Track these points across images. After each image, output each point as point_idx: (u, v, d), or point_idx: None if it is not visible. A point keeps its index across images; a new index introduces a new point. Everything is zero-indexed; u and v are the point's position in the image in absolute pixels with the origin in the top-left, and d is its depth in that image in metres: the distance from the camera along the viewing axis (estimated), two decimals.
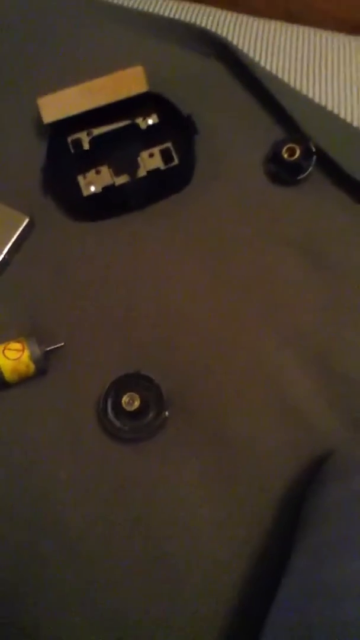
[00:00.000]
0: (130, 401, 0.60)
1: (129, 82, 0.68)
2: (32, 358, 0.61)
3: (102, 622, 0.55)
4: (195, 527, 0.58)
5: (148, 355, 0.63)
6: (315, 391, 0.61)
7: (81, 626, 0.55)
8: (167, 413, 0.60)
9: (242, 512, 0.58)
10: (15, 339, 0.62)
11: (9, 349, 0.61)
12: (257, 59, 0.72)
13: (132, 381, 0.61)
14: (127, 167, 0.68)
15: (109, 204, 0.68)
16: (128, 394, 0.60)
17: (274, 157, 0.67)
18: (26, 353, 0.60)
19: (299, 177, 0.67)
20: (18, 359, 0.60)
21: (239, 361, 0.62)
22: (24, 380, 0.62)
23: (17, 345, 0.61)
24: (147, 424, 0.60)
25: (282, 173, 0.67)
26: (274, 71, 0.71)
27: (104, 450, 0.60)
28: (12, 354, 0.60)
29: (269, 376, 0.62)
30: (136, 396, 0.60)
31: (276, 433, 0.60)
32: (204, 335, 0.64)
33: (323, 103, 0.70)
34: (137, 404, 0.59)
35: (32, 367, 0.61)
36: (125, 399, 0.60)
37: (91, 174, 0.67)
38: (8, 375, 0.61)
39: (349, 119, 0.69)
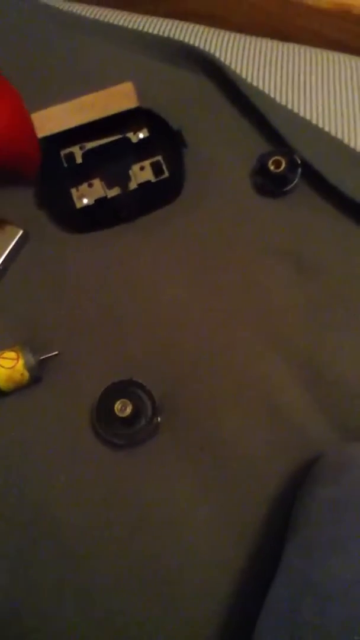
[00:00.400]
0: (123, 408, 0.60)
1: (120, 97, 0.70)
2: (27, 366, 0.62)
3: (99, 623, 0.56)
4: (190, 530, 0.59)
5: (141, 362, 0.65)
6: (305, 395, 0.62)
7: (79, 628, 0.56)
8: (159, 419, 0.62)
9: (236, 514, 0.59)
10: (9, 347, 0.63)
11: (4, 358, 0.62)
12: (243, 74, 0.74)
13: (124, 388, 0.62)
14: (118, 179, 0.69)
15: (101, 215, 0.69)
16: (120, 400, 0.60)
17: (260, 170, 0.69)
18: (20, 362, 0.62)
19: (285, 189, 0.69)
20: (12, 367, 0.62)
21: (229, 367, 0.64)
22: (19, 388, 0.63)
23: (12, 354, 0.62)
24: (140, 430, 0.61)
25: (269, 185, 0.69)
26: (259, 86, 0.73)
27: (99, 456, 0.61)
28: (6, 363, 0.62)
29: (258, 381, 0.63)
30: (128, 402, 0.60)
31: (267, 436, 0.61)
32: (195, 343, 0.65)
33: (307, 117, 0.73)
34: (129, 410, 0.60)
35: (26, 375, 0.62)
36: (117, 405, 0.60)
37: (84, 187, 0.69)
38: (3, 383, 0.62)
39: (332, 132, 0.71)
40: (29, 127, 0.67)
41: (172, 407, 0.63)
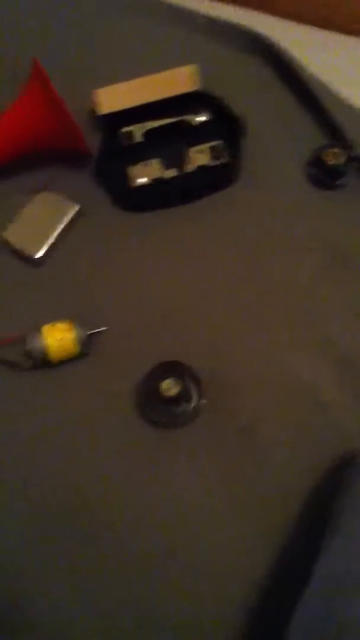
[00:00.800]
0: (171, 387, 0.60)
1: (182, 79, 0.70)
2: (78, 339, 0.62)
3: (111, 614, 0.56)
4: (212, 520, 0.59)
5: (186, 347, 0.65)
6: (343, 392, 0.62)
7: (90, 617, 0.56)
8: (204, 401, 0.62)
9: (265, 507, 0.58)
10: (61, 320, 0.64)
11: (56, 329, 0.62)
12: (307, 65, 0.74)
13: (171, 369, 0.62)
14: (176, 161, 0.70)
15: (156, 196, 0.70)
16: (168, 380, 0.60)
17: (315, 161, 0.69)
18: (72, 334, 0.62)
19: (339, 182, 0.69)
20: (63, 339, 0.63)
21: (271, 362, 0.64)
22: (67, 360, 0.64)
23: (64, 326, 0.63)
24: (183, 411, 0.62)
25: (323, 177, 0.69)
26: (322, 78, 0.73)
27: (138, 434, 0.62)
28: (58, 334, 0.62)
29: (298, 377, 0.63)
30: (175, 383, 0.60)
31: (303, 430, 0.61)
32: (240, 334, 0.65)
33: None
34: (175, 390, 0.60)
35: (76, 348, 0.63)
36: (165, 384, 0.60)
37: (141, 166, 0.69)
38: (53, 354, 0.62)
39: None
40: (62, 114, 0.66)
41: (214, 393, 0.63)
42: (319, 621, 0.45)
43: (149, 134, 0.71)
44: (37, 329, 0.63)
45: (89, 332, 0.64)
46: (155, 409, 0.62)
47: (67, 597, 0.56)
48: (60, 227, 0.69)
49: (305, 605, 0.46)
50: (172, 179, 0.70)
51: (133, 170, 0.70)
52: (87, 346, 0.64)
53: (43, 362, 0.63)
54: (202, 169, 0.70)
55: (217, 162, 0.69)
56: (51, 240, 0.69)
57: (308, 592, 0.46)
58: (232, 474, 0.60)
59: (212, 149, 0.70)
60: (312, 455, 0.60)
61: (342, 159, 0.68)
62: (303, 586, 0.46)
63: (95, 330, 0.65)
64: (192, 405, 0.62)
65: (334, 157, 0.68)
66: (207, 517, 0.59)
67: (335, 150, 0.68)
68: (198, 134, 0.71)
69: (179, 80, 0.70)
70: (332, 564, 0.48)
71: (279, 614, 0.46)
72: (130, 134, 0.70)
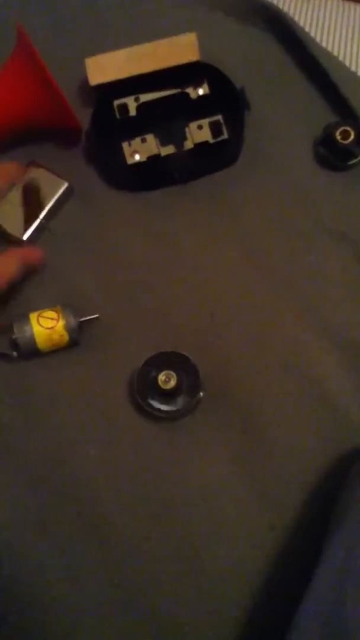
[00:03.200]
0: (167, 379, 0.58)
1: (182, 49, 0.65)
2: (67, 328, 0.59)
3: (122, 602, 0.55)
4: (220, 511, 0.57)
5: (183, 336, 0.62)
6: (350, 382, 0.60)
7: (101, 605, 0.55)
8: (202, 394, 0.59)
9: (273, 499, 0.57)
10: (50, 307, 0.60)
11: (44, 317, 0.59)
12: (315, 37, 0.70)
13: (168, 360, 0.59)
14: (174, 137, 0.65)
15: (152, 174, 0.65)
16: (165, 372, 0.58)
17: (325, 140, 0.65)
18: (61, 323, 0.59)
19: (349, 163, 0.65)
20: (53, 327, 0.58)
21: (276, 350, 0.61)
22: (56, 349, 0.60)
23: (53, 314, 0.59)
24: (181, 404, 0.59)
25: (333, 157, 0.65)
26: (332, 51, 0.69)
27: (135, 428, 0.59)
28: (47, 323, 0.58)
29: (304, 366, 0.61)
30: (173, 375, 0.58)
31: (310, 422, 0.59)
32: (242, 323, 0.62)
33: None
34: (173, 382, 0.58)
35: (66, 337, 0.59)
36: (161, 377, 0.58)
37: (136, 142, 0.65)
38: (41, 343, 0.59)
39: None
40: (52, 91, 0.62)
41: (215, 385, 0.60)
42: (327, 614, 0.43)
43: (144, 107, 0.65)
44: (25, 316, 0.59)
45: (80, 320, 0.60)
46: (152, 400, 0.59)
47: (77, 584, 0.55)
48: (47, 207, 0.64)
49: (314, 598, 0.45)
50: (169, 156, 0.65)
51: (127, 146, 0.65)
52: (77, 335, 0.60)
53: (31, 352, 0.59)
54: (201, 146, 0.65)
55: (218, 139, 0.65)
56: (38, 220, 0.64)
57: (315, 584, 0.45)
58: (234, 466, 0.58)
59: (212, 124, 0.65)
60: (318, 448, 0.58)
61: (353, 138, 0.63)
62: (308, 579, 0.46)
63: (86, 318, 0.61)
64: (191, 397, 0.59)
65: (346, 136, 0.64)
66: (208, 509, 0.57)
67: (347, 128, 0.64)
68: (197, 109, 0.66)
69: (177, 49, 0.65)
70: (339, 558, 0.46)
71: (283, 608, 0.45)
72: (124, 106, 0.65)
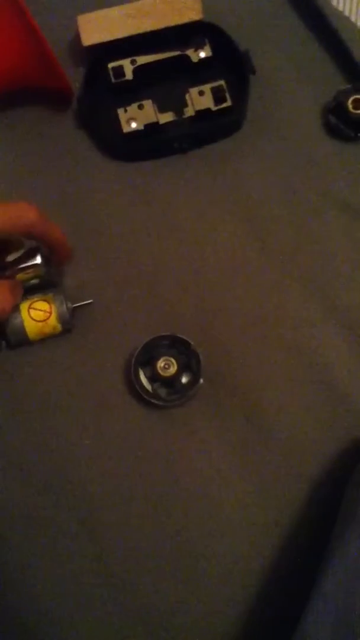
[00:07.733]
0: (167, 366, 0.55)
1: (182, 7, 0.61)
2: (60, 319, 0.55)
3: (116, 595, 0.53)
4: (218, 504, 0.55)
5: (184, 319, 0.59)
6: (354, 366, 0.57)
7: (94, 599, 0.53)
8: (202, 381, 0.56)
9: (275, 491, 0.55)
10: (41, 295, 0.56)
11: (35, 309, 0.55)
12: None
13: (165, 344, 0.57)
14: (173, 104, 0.61)
15: (150, 143, 0.61)
16: (164, 358, 0.55)
17: (335, 108, 0.61)
18: (53, 315, 0.55)
19: None
20: (45, 320, 0.55)
21: (278, 333, 0.58)
22: (47, 338, 0.57)
23: (44, 305, 0.55)
24: (180, 391, 0.56)
25: (343, 127, 0.61)
26: (345, 13, 0.64)
27: (131, 417, 0.56)
28: (39, 315, 0.55)
29: (313, 353, 0.58)
30: (173, 361, 0.55)
31: (313, 410, 0.57)
32: (244, 302, 0.59)
33: None
34: (173, 369, 0.55)
35: (58, 328, 0.56)
36: (160, 363, 0.55)
37: (133, 108, 0.60)
38: (33, 336, 0.56)
39: None
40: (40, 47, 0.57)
41: (215, 370, 0.57)
42: (336, 613, 0.42)
43: (141, 70, 0.61)
44: (15, 307, 0.55)
45: (74, 306, 0.57)
46: (149, 388, 0.56)
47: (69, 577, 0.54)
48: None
49: (322, 595, 0.44)
50: (168, 124, 0.61)
51: (122, 113, 0.60)
52: (69, 322, 0.56)
53: (21, 341, 0.56)
54: (202, 113, 0.61)
55: (221, 106, 0.60)
56: None
57: (324, 582, 0.44)
58: (236, 457, 0.56)
59: (215, 90, 0.60)
60: (324, 439, 0.56)
61: None
62: (312, 578, 0.45)
63: (79, 304, 0.57)
64: (191, 384, 0.56)
65: (358, 106, 0.60)
66: (208, 500, 0.55)
67: (359, 96, 0.59)
68: (199, 73, 0.62)
69: (178, 7, 0.60)
70: (349, 553, 0.45)
71: (288, 604, 0.45)
72: (120, 69, 0.61)
